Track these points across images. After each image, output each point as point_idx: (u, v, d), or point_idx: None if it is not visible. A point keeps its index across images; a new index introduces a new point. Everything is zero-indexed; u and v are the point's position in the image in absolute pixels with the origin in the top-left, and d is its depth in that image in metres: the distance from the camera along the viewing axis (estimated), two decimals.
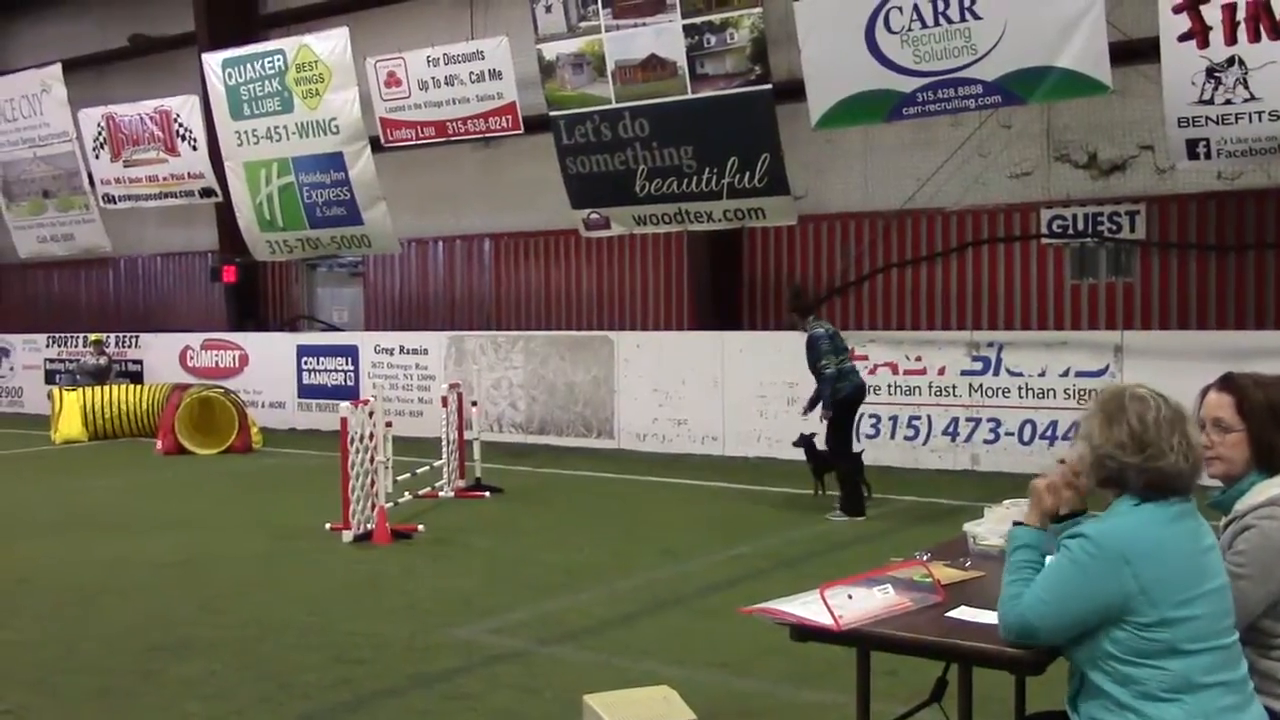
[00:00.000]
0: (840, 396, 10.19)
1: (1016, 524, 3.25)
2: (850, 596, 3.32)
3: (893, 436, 13.01)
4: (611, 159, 14.04)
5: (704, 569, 8.38)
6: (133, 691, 5.75)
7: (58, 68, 19.56)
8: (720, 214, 13.75)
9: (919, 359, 12.91)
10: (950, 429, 12.70)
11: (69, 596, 7.71)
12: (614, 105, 13.74)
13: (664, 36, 13.20)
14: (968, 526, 4.13)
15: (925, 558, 3.77)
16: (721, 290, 15.54)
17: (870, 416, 13.04)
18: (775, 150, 12.97)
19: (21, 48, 23.76)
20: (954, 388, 12.67)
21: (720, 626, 6.73)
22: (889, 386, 13.03)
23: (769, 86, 12.84)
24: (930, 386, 12.82)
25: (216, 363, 18.94)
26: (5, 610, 7.39)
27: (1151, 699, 2.85)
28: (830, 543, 9.21)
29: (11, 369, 21.91)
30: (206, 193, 18.35)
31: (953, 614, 3.29)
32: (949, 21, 11.45)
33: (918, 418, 12.89)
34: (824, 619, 3.21)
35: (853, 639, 3.27)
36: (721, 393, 14.11)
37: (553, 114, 14.26)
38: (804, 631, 3.28)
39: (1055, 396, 12.11)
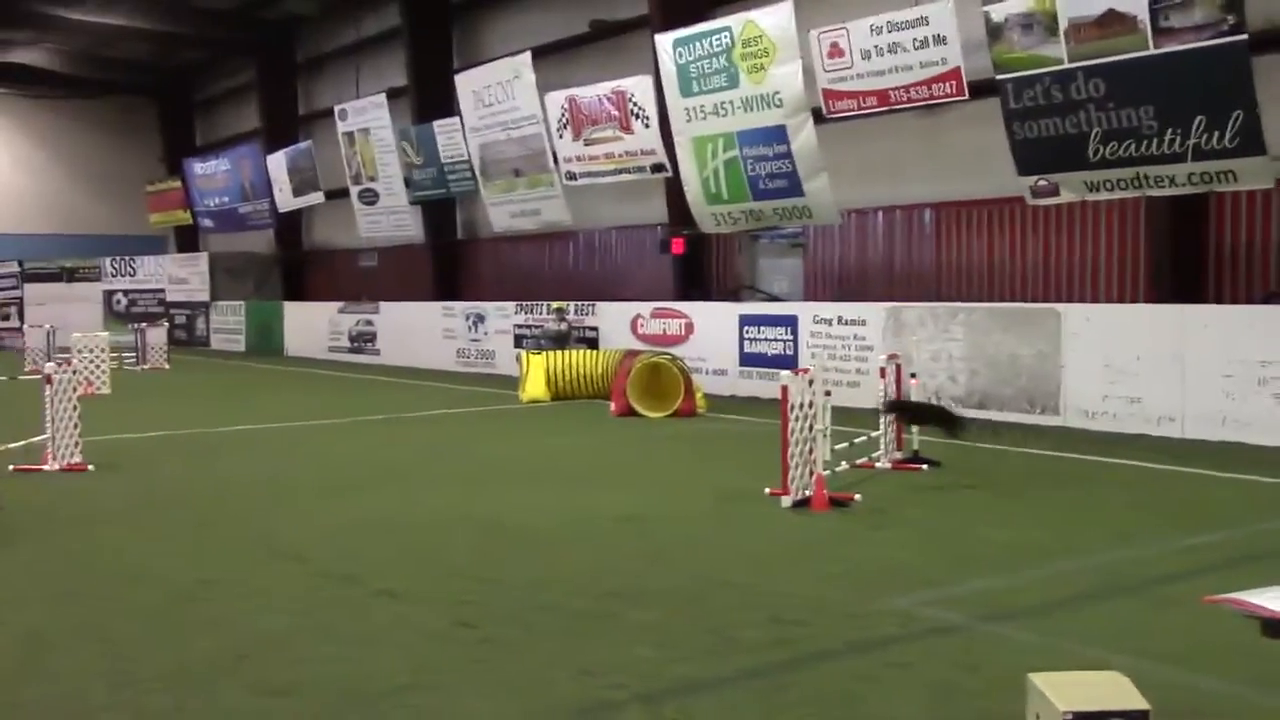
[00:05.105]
0: None
1: None
2: None
3: None
4: (1063, 122, 13.41)
5: (1158, 556, 7.89)
6: (591, 631, 6.23)
7: (527, 55, 21.28)
8: (1184, 178, 12.79)
9: None
10: None
11: (538, 542, 8.45)
12: (1066, 65, 13.10)
13: None
14: None
15: None
16: (1183, 260, 14.47)
17: None
18: (1251, 107, 11.91)
19: (496, 38, 26.04)
20: None
21: (1176, 618, 6.33)
22: None
23: (1244, 37, 11.77)
24: None
25: (664, 330, 19.93)
26: (486, 552, 8.22)
27: None
28: None
29: (485, 333, 24.16)
30: (657, 168, 19.31)
31: None
32: None
33: None
34: None
35: None
36: (1182, 370, 13.14)
37: (999, 77, 13.80)
38: (1276, 626, 3.05)
39: None
